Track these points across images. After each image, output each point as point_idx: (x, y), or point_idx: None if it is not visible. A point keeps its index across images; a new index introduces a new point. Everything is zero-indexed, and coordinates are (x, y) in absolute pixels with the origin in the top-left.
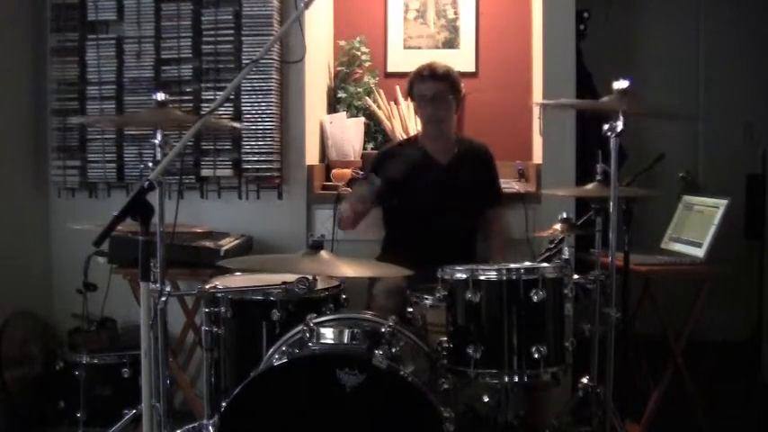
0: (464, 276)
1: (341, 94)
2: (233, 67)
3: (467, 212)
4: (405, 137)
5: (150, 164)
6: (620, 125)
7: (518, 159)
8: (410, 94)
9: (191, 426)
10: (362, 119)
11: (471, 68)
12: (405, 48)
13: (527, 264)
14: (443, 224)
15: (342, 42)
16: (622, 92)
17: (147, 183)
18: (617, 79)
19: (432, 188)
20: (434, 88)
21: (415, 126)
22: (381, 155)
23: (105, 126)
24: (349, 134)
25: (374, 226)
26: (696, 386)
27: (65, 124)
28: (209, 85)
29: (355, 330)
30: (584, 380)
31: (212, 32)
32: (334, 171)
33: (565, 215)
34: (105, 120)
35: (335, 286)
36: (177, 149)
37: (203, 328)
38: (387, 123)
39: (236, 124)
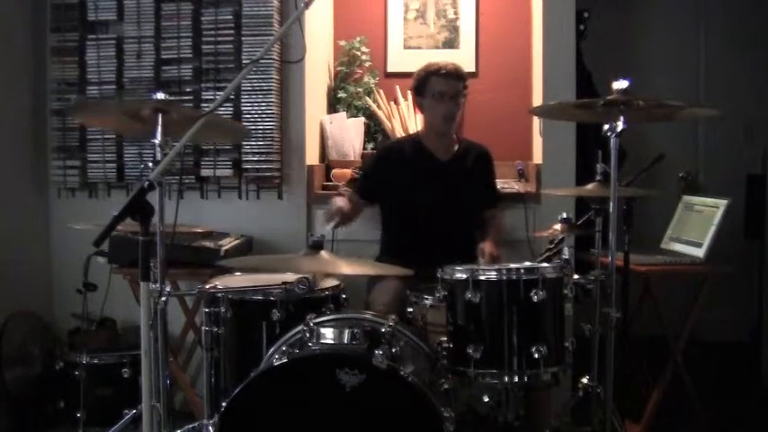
0: (464, 276)
1: (341, 94)
2: (233, 67)
3: (466, 209)
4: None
5: (150, 164)
6: (620, 125)
7: (518, 159)
8: (420, 87)
9: (191, 426)
10: (362, 119)
11: (471, 68)
12: (405, 48)
13: (527, 264)
14: (443, 221)
15: (342, 42)
16: (622, 92)
17: (147, 183)
18: (617, 79)
19: (432, 184)
20: (455, 87)
21: (415, 125)
22: (382, 151)
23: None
24: (349, 134)
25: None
26: (696, 386)
27: (65, 124)
28: (209, 85)
29: (355, 330)
30: (585, 380)
31: (212, 32)
32: (334, 171)
33: (565, 215)
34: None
35: (335, 286)
36: (177, 149)
37: (203, 328)
38: (387, 123)
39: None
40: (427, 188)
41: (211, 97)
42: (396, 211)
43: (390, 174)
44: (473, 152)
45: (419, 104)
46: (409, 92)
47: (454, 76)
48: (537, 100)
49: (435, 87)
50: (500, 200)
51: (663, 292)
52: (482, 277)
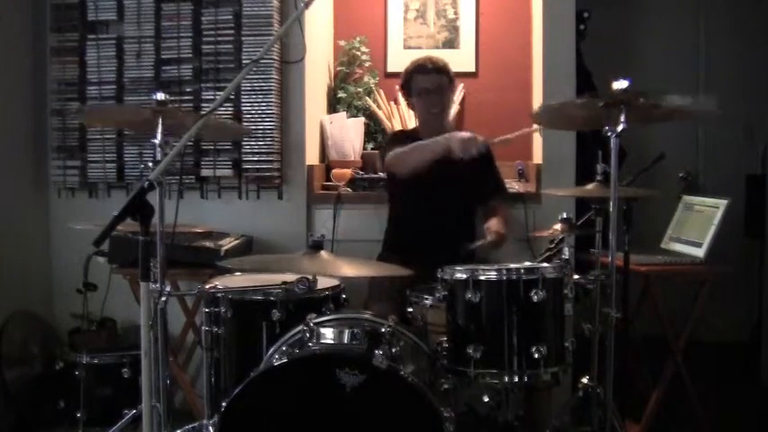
0: (464, 276)
1: (341, 94)
2: (233, 67)
3: (466, 204)
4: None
5: (150, 164)
6: (620, 125)
7: (518, 159)
8: (407, 87)
9: (191, 426)
10: (362, 119)
11: (471, 68)
12: (405, 48)
13: (527, 264)
14: (442, 217)
15: (342, 42)
16: (622, 92)
17: (147, 183)
18: (617, 79)
19: (430, 180)
20: (437, 81)
21: (414, 124)
22: (396, 134)
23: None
24: (349, 134)
25: None
26: (696, 386)
27: (65, 124)
28: (209, 85)
29: (355, 330)
30: (585, 380)
31: (212, 32)
32: (334, 171)
33: (565, 215)
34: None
35: (335, 286)
36: (177, 149)
37: (203, 328)
38: (387, 123)
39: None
40: (426, 184)
41: (211, 97)
42: (395, 206)
43: None
44: None
45: (410, 104)
46: None
47: (434, 70)
48: (537, 100)
49: (419, 84)
50: (504, 190)
51: (663, 292)
52: (482, 277)
